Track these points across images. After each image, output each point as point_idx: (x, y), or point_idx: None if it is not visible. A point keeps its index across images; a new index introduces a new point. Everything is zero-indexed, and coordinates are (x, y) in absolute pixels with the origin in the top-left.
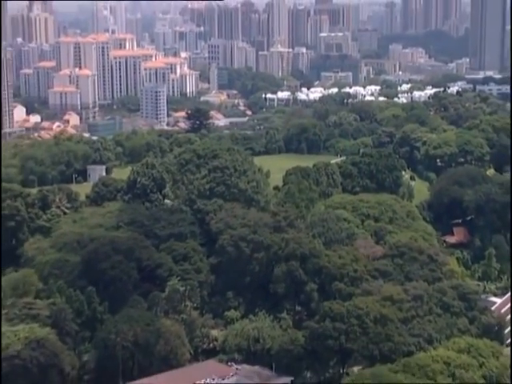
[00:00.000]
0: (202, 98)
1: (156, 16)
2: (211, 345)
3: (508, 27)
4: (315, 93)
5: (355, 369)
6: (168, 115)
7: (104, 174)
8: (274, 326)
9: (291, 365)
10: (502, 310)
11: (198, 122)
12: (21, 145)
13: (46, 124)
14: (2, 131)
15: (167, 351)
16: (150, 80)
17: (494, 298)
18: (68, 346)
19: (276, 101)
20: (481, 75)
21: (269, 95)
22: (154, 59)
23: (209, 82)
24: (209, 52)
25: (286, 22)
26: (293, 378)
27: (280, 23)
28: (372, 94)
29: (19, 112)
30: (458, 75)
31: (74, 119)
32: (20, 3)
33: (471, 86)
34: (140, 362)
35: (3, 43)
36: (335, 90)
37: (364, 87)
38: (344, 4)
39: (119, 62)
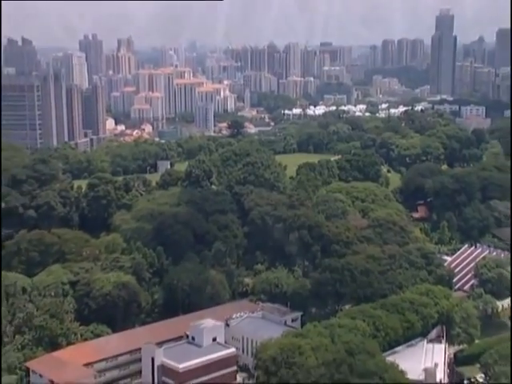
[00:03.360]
0: (239, 113)
1: (206, 55)
2: (244, 289)
3: (457, 64)
4: (320, 110)
5: (347, 306)
6: (214, 125)
7: (169, 167)
8: (289, 276)
9: (301, 303)
10: (452, 265)
11: (235, 130)
12: (111, 146)
13: (128, 131)
14: (99, 136)
15: (213, 293)
16: (201, 100)
17: (445, 257)
18: (144, 288)
19: (291, 115)
20: (438, 98)
21: (286, 111)
22: (204, 85)
23: (243, 102)
24: (244, 80)
25: (299, 59)
26: (302, 313)
27: (295, 60)
28: (360, 111)
29: (110, 123)
30: (422, 98)
31: (148, 128)
32: (111, 46)
33: (431, 105)
34: (194, 300)
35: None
36: (334, 107)
37: (355, 106)
38: (340, 46)
39: (180, 88)
